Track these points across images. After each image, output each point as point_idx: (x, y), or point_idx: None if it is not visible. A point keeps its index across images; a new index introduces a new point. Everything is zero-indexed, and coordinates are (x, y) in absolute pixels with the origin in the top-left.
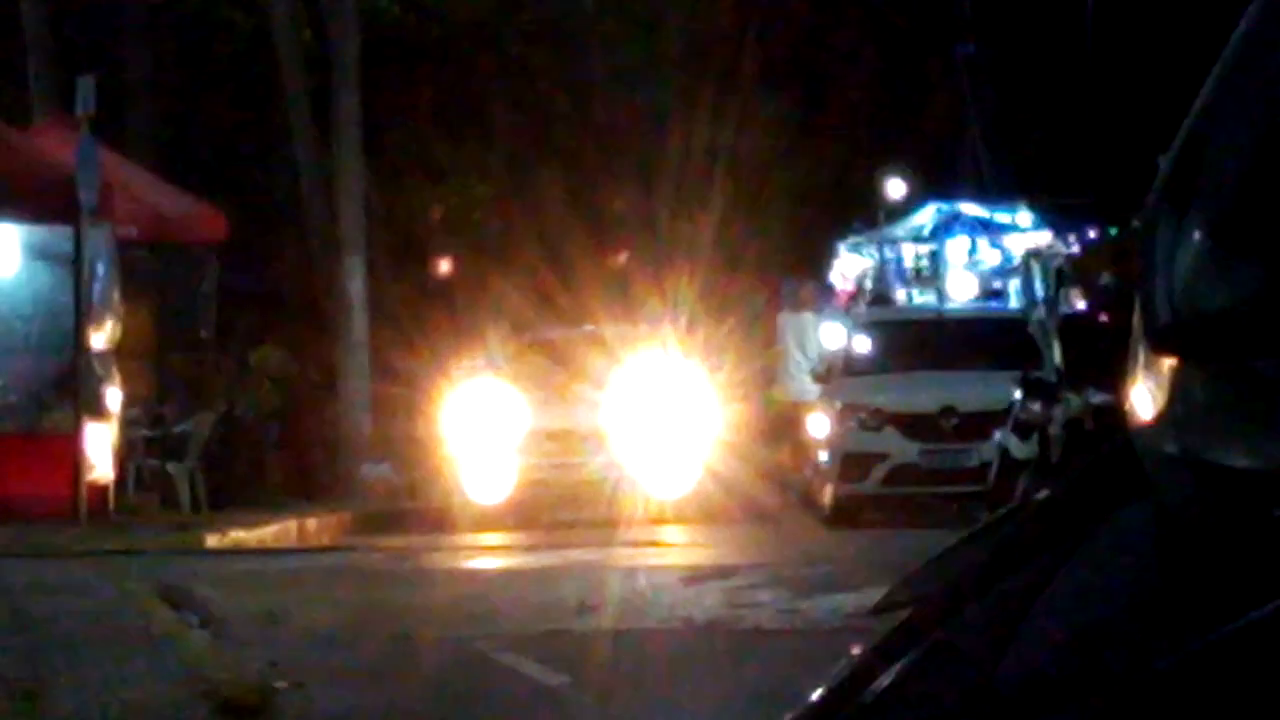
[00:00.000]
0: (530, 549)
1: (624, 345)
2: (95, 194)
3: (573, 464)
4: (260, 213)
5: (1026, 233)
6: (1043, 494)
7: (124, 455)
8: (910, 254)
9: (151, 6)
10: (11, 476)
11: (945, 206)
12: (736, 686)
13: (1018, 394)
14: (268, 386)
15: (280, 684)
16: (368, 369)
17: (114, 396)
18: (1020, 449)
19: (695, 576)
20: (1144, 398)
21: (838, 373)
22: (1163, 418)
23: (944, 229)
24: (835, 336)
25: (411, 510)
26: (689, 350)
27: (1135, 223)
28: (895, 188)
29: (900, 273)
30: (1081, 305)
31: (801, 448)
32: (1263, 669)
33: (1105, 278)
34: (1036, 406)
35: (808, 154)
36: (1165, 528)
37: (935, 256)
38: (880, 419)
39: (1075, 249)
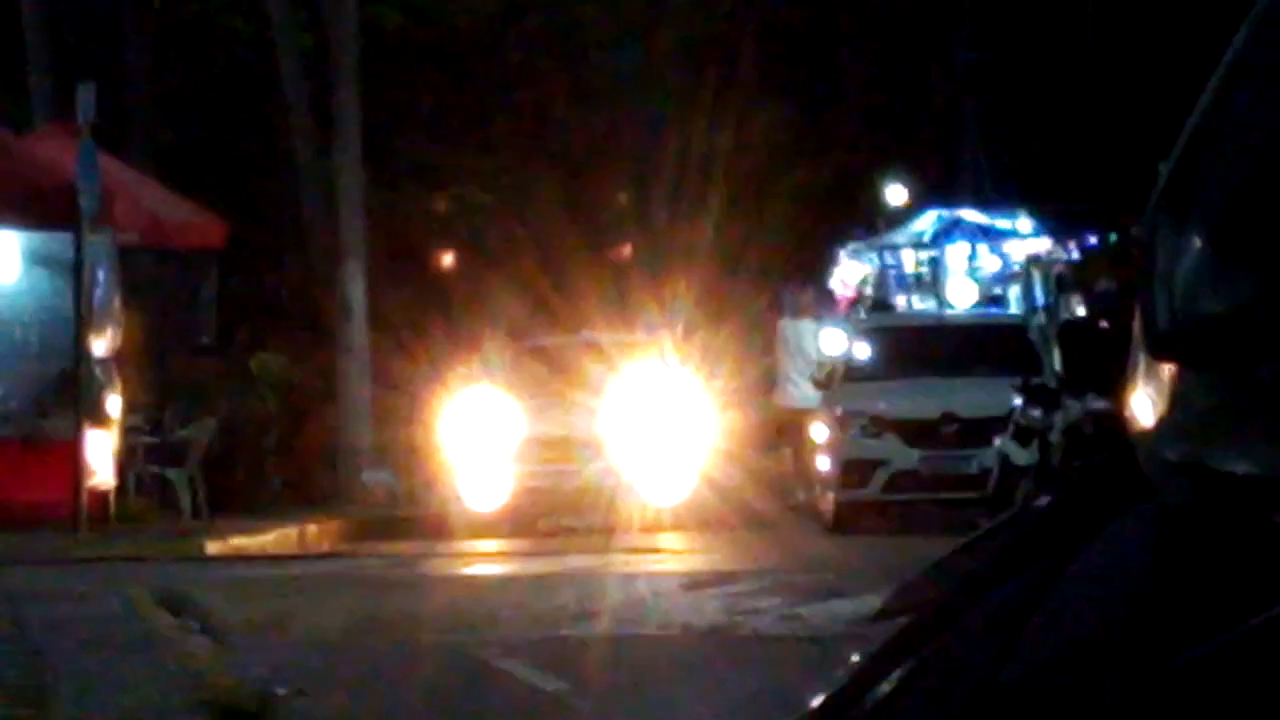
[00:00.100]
0: (528, 556)
1: (621, 352)
2: (96, 200)
3: (569, 471)
4: (260, 219)
5: (1026, 239)
6: (1043, 500)
7: (124, 461)
8: (910, 260)
9: (152, 13)
10: (12, 483)
11: (945, 213)
12: (736, 693)
13: (1018, 400)
14: (268, 393)
15: (280, 690)
16: (368, 375)
17: (114, 403)
18: (1020, 455)
19: (695, 583)
20: (1144, 404)
21: (838, 379)
22: (1163, 424)
23: (944, 235)
24: (836, 343)
25: (410, 517)
26: (686, 357)
27: (1135, 229)
28: (895, 194)
29: (900, 279)
30: (1081, 311)
31: (801, 454)
32: (1263, 676)
33: (1102, 284)
34: (1037, 413)
35: (807, 160)
36: (1166, 534)
37: (935, 263)
38: (881, 425)
39: (1075, 255)
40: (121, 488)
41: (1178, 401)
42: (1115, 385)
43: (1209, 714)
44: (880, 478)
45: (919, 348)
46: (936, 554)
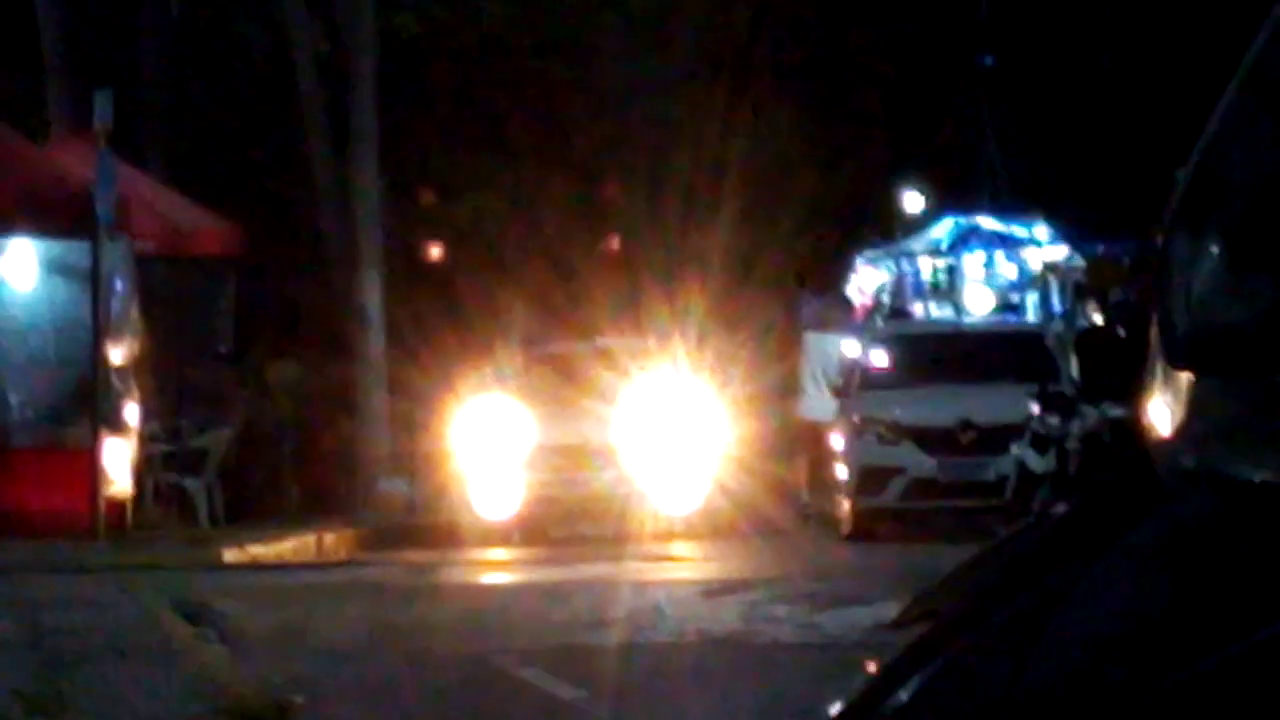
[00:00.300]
0: (543, 564)
1: (633, 359)
2: (113, 208)
3: (581, 479)
4: (277, 227)
5: (1044, 247)
6: (1060, 508)
7: (142, 470)
8: (927, 268)
9: (169, 20)
10: (30, 491)
11: (962, 220)
12: (754, 701)
13: (1035, 408)
14: (284, 401)
15: (297, 699)
16: (384, 384)
17: (132, 411)
18: (1038, 463)
19: (711, 591)
20: (1161, 412)
21: (855, 387)
22: (1180, 432)
23: (961, 243)
24: (855, 350)
25: (426, 525)
26: (699, 364)
27: (1153, 237)
28: (912, 201)
29: (917, 287)
30: (1099, 319)
31: (819, 465)
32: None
33: (1116, 293)
34: (1054, 420)
35: (823, 167)
36: (1183, 542)
37: (952, 270)
38: (898, 433)
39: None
40: (139, 496)
41: (1195, 409)
42: (1133, 393)
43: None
44: (897, 485)
45: (936, 355)
46: (953, 562)
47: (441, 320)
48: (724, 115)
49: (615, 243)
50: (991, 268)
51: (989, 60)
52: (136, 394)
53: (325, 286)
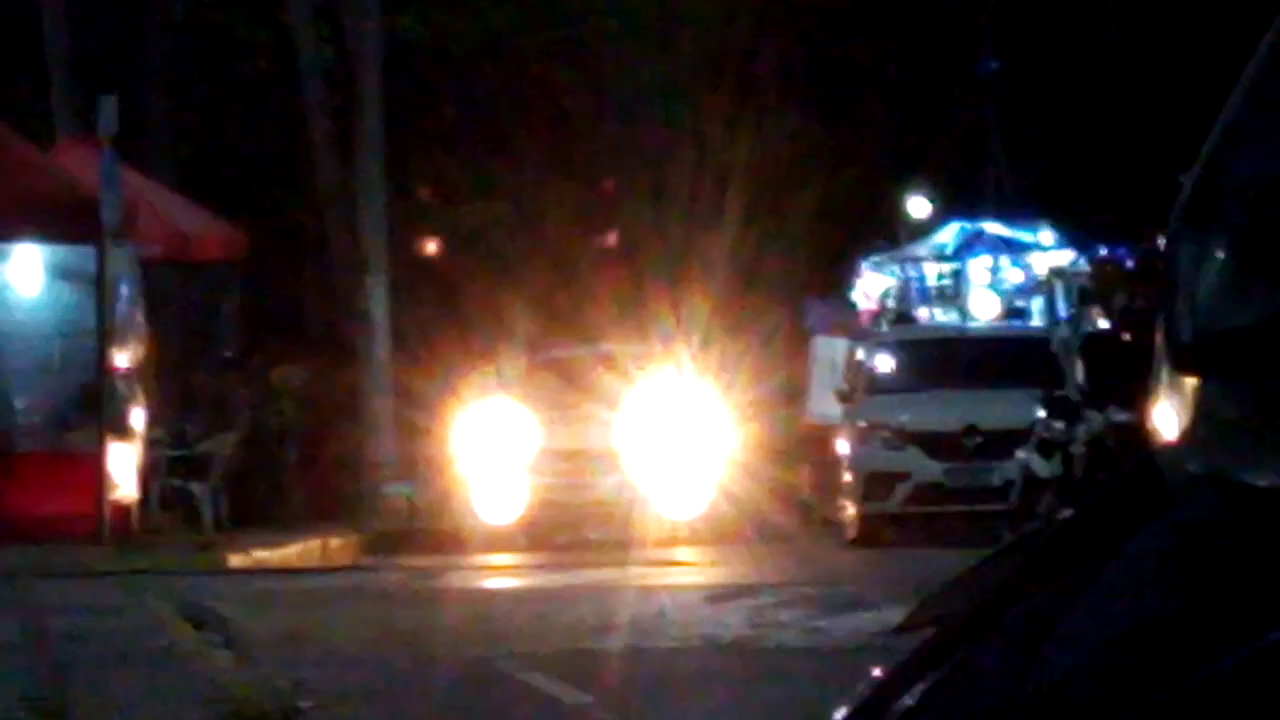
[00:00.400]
0: (547, 569)
1: (637, 364)
2: (118, 213)
3: (585, 484)
4: (282, 232)
5: (1049, 251)
6: (1066, 513)
7: (147, 475)
8: (933, 273)
9: (174, 25)
10: (35, 496)
11: (968, 225)
12: (759, 706)
13: (1041, 413)
14: (289, 406)
15: (302, 703)
16: (389, 389)
17: (137, 416)
18: (1043, 468)
19: (716, 596)
20: (1167, 417)
21: (861, 392)
22: (1186, 437)
23: (966, 248)
24: (860, 355)
25: (431, 530)
26: (703, 369)
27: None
28: (917, 206)
29: (923, 291)
30: (1104, 324)
31: (825, 470)
32: None
33: (1121, 297)
34: (1059, 425)
35: (828, 171)
36: (1189, 547)
37: (958, 275)
38: (903, 438)
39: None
40: (144, 501)
41: (1200, 414)
42: (1138, 398)
43: None
44: (903, 490)
45: (942, 360)
46: (959, 567)
47: (445, 324)
48: (728, 120)
49: (612, 239)
50: (997, 273)
51: (994, 65)
52: (142, 399)
53: (330, 291)
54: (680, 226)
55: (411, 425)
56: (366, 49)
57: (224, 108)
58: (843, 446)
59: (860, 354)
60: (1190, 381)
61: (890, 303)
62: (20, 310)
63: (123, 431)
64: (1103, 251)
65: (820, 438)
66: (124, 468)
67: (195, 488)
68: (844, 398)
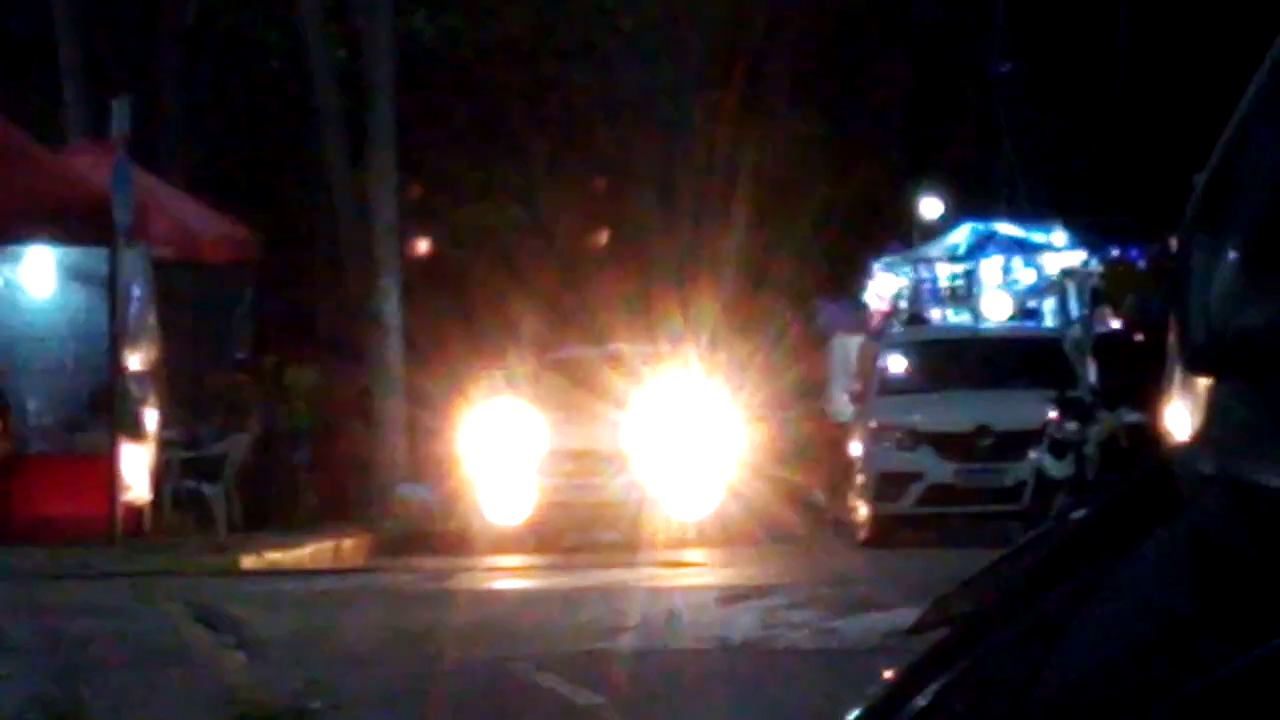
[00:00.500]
0: (558, 570)
1: (646, 364)
2: (130, 215)
3: (594, 485)
4: (293, 233)
5: (1061, 252)
6: (1078, 514)
7: (159, 476)
8: (945, 273)
9: (186, 27)
10: (48, 497)
11: (980, 226)
12: (771, 707)
13: (1053, 413)
14: (302, 408)
15: (316, 705)
16: (402, 390)
17: (150, 417)
18: (1056, 468)
19: (729, 597)
20: (1180, 417)
21: (873, 392)
22: (1199, 437)
23: (979, 248)
24: (873, 356)
25: (444, 531)
26: (711, 370)
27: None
28: (930, 207)
29: (935, 292)
30: (1116, 324)
31: (842, 469)
32: None
33: (1129, 298)
34: (1072, 426)
35: (839, 172)
36: (1201, 548)
37: (970, 276)
38: (916, 438)
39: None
40: (157, 502)
41: (1213, 415)
42: (1151, 398)
43: None
44: (915, 491)
45: (954, 361)
46: (971, 568)
47: (455, 325)
48: (739, 120)
49: (621, 240)
50: (1009, 273)
51: (1006, 66)
52: (154, 400)
53: (342, 293)
54: (690, 227)
55: (428, 426)
56: (379, 51)
57: (236, 110)
58: (855, 447)
59: (871, 354)
60: (1203, 382)
61: (902, 303)
62: (32, 312)
63: (135, 433)
64: (1115, 252)
65: (841, 439)
66: (136, 469)
67: (207, 489)
68: (855, 398)
